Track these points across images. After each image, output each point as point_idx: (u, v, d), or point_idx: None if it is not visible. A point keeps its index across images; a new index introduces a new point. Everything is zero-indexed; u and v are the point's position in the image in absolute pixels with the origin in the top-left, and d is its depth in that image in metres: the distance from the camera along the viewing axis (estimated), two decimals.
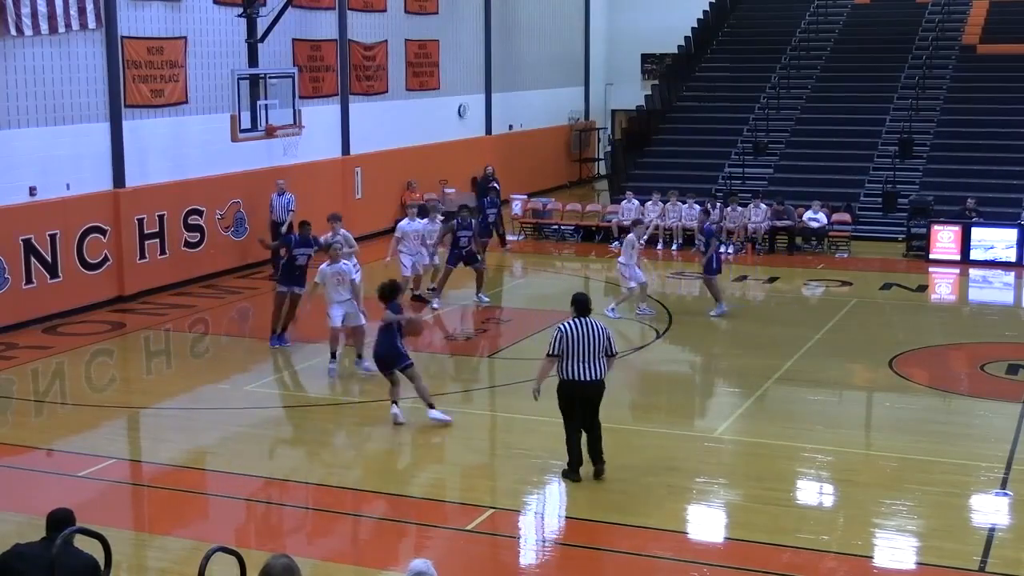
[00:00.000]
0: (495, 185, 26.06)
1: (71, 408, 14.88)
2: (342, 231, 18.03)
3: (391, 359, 13.56)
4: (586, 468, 11.79)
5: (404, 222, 19.96)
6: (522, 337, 18.30)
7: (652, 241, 25.92)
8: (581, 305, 11.66)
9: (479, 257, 20.66)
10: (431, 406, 13.67)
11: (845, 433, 13.51)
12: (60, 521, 7.25)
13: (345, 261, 16.20)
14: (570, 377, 11.42)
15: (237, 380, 16.14)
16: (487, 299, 20.40)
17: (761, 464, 12.46)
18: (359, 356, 15.85)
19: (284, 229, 21.41)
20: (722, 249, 24.98)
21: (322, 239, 17.66)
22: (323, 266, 15.86)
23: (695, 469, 12.31)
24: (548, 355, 11.58)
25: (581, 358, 11.37)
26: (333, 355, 15.79)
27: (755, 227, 25.29)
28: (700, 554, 10.23)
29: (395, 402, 13.69)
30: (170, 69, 21.08)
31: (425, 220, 20.37)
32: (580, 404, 11.55)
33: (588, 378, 11.42)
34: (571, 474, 11.72)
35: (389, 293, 13.72)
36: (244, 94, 20.07)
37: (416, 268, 19.81)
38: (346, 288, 15.75)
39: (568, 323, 11.52)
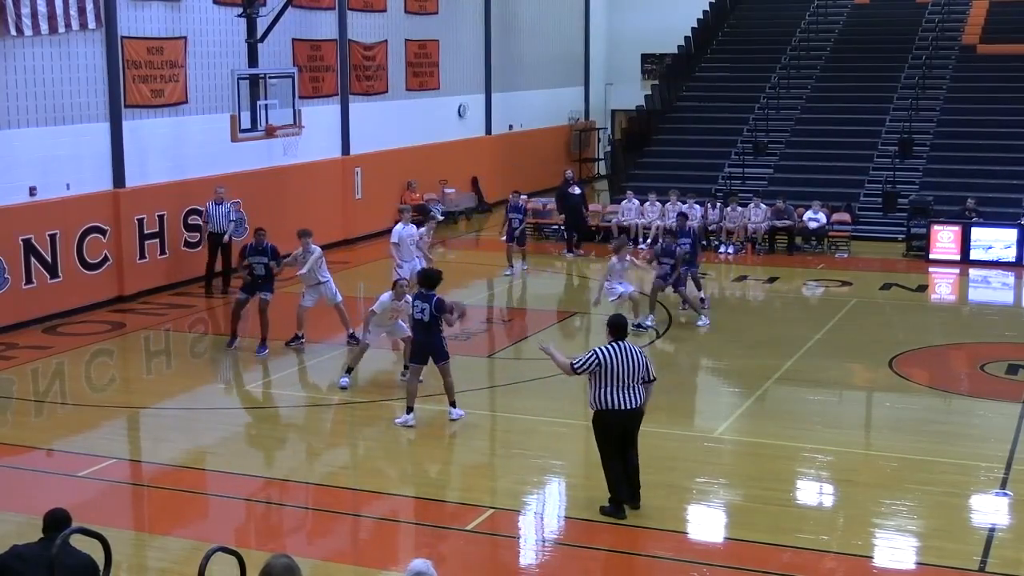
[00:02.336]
0: (573, 191, 25.79)
1: (71, 408, 14.88)
2: (313, 247, 17.13)
3: (436, 351, 13.49)
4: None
5: (399, 227, 19.09)
6: (522, 337, 18.32)
7: (653, 241, 25.96)
8: (620, 329, 10.88)
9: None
10: (453, 404, 13.71)
11: (845, 433, 13.51)
12: (57, 521, 7.26)
13: (408, 296, 14.99)
14: (611, 406, 10.67)
15: (237, 380, 16.16)
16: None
17: (761, 464, 12.46)
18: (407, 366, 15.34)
19: (226, 239, 20.85)
20: (722, 249, 25.12)
21: (294, 253, 17.13)
22: (386, 296, 15.01)
23: (695, 469, 12.32)
24: (573, 367, 10.80)
25: (622, 385, 10.63)
26: (349, 369, 15.41)
27: (755, 227, 25.29)
28: (700, 554, 10.24)
29: (411, 408, 13.59)
30: (170, 69, 21.08)
31: (422, 227, 19.82)
32: (621, 434, 10.86)
33: (630, 406, 10.70)
34: (617, 512, 10.87)
35: (434, 281, 13.59)
36: (244, 94, 20.06)
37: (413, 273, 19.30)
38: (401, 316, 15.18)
39: (606, 348, 10.71)
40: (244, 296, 17.29)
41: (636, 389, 10.74)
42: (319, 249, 17.32)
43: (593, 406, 10.86)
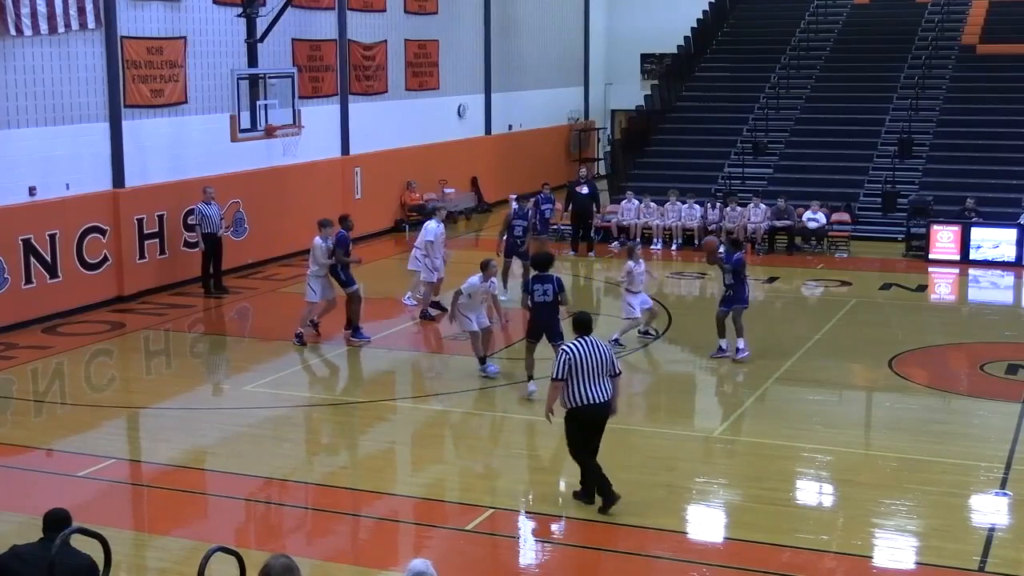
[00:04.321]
0: (581, 191, 25.51)
1: (71, 408, 14.87)
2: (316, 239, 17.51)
3: (554, 331, 14.24)
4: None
5: (434, 224, 18.87)
6: (522, 337, 18.27)
7: (649, 241, 25.98)
8: (584, 324, 11.18)
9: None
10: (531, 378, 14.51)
11: (845, 433, 13.51)
12: (57, 521, 7.26)
13: (493, 279, 15.93)
14: (582, 402, 10.76)
15: (237, 380, 16.16)
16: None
17: (761, 464, 12.46)
18: (484, 359, 15.68)
19: (222, 231, 21.02)
20: (722, 249, 25.04)
21: (328, 242, 17.45)
22: (475, 279, 15.41)
23: (695, 469, 12.32)
24: (554, 379, 10.86)
25: (592, 380, 10.76)
26: (483, 359, 15.64)
27: (754, 227, 25.30)
28: (700, 554, 10.24)
29: (531, 377, 14.44)
30: (170, 69, 21.08)
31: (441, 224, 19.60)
32: (593, 429, 10.96)
33: (600, 399, 10.80)
34: (610, 501, 10.89)
35: (549, 263, 14.39)
36: (244, 94, 20.05)
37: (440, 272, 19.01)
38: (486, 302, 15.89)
39: (573, 344, 10.93)
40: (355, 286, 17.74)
41: (604, 384, 10.87)
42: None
43: (566, 404, 10.92)
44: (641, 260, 17.56)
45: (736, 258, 16.23)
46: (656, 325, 18.18)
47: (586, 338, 10.98)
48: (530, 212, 20.97)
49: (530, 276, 14.75)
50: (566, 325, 14.11)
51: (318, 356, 16.98)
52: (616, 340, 16.77)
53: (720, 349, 16.38)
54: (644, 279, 17.49)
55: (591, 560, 10.25)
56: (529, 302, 14.59)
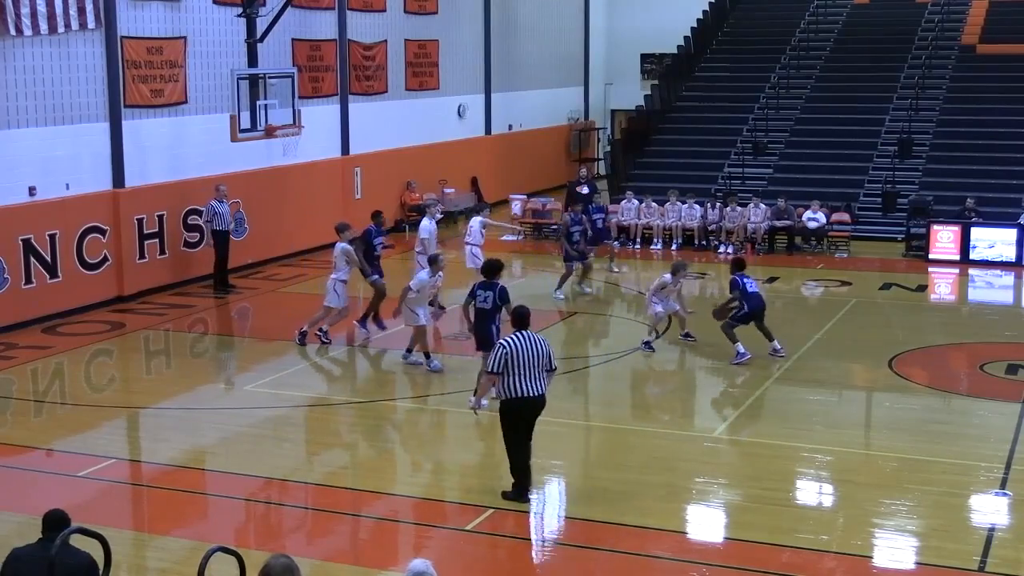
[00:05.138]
0: (581, 191, 25.32)
1: (71, 408, 14.87)
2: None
3: (485, 341, 13.81)
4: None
5: (427, 221, 19.02)
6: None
7: (649, 241, 25.98)
8: (522, 318, 11.29)
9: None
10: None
11: (845, 433, 13.51)
12: (55, 522, 7.28)
13: (441, 274, 16.45)
14: (517, 394, 10.98)
15: (237, 380, 16.17)
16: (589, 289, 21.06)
17: (761, 464, 12.46)
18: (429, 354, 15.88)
19: (232, 228, 21.26)
20: (721, 249, 25.13)
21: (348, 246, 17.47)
22: (424, 274, 15.77)
23: (694, 469, 12.32)
24: (489, 372, 11.15)
25: (528, 374, 10.95)
26: (427, 354, 15.81)
27: (754, 227, 25.30)
28: (699, 554, 10.24)
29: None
30: (170, 69, 21.08)
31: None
32: (528, 421, 11.18)
33: (534, 393, 11.01)
34: (519, 497, 11.21)
35: (497, 270, 14.09)
36: (244, 94, 20.06)
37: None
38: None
39: (510, 338, 11.10)
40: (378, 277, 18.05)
41: (540, 378, 11.04)
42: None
43: (500, 395, 11.11)
44: (681, 281, 17.27)
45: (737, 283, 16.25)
46: (655, 325, 18.18)
47: (523, 332, 11.15)
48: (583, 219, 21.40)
49: (476, 283, 14.37)
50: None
51: (318, 356, 16.98)
52: (647, 344, 16.90)
53: (775, 350, 16.34)
54: (670, 294, 17.06)
55: (591, 560, 10.24)
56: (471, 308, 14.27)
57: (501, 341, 11.31)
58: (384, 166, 27.19)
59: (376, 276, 17.97)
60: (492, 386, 11.27)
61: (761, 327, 16.34)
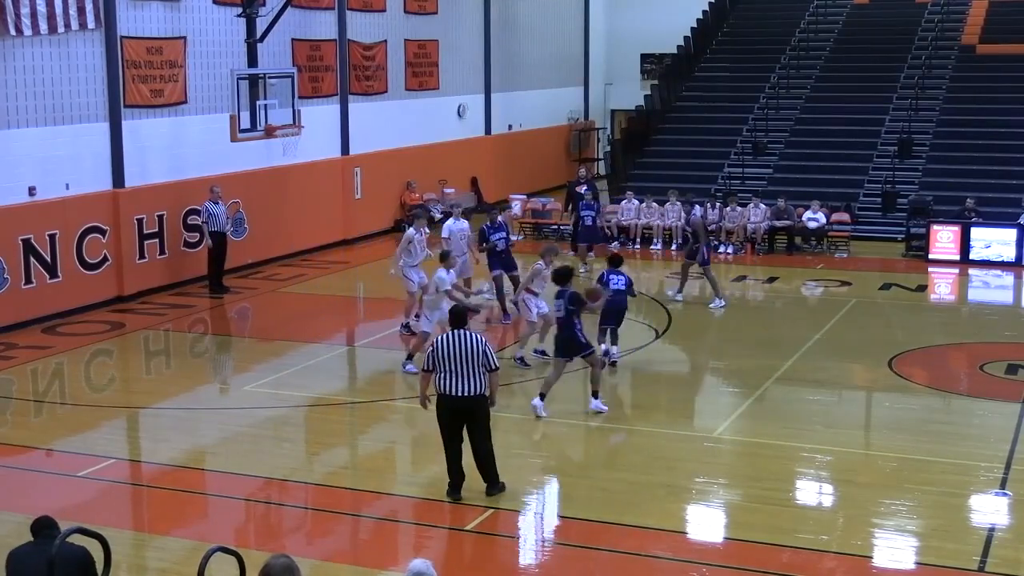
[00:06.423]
0: (580, 190, 25.04)
1: (71, 408, 14.87)
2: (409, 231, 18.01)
3: (573, 345, 13.68)
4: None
5: (450, 222, 19.11)
6: (516, 340, 18.25)
7: (649, 241, 25.97)
8: (456, 317, 11.33)
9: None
10: (595, 394, 13.97)
11: (845, 433, 13.51)
12: (45, 527, 7.40)
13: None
14: (443, 391, 11.08)
15: (237, 380, 16.17)
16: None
17: (761, 464, 12.46)
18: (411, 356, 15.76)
19: (228, 230, 21.18)
20: (721, 249, 25.11)
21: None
22: (444, 272, 15.40)
23: (694, 469, 12.31)
24: (423, 370, 11.43)
25: (454, 372, 10.96)
26: (410, 356, 15.70)
27: (754, 227, 25.30)
28: (699, 554, 10.24)
29: (543, 395, 13.84)
30: (169, 69, 21.08)
31: (465, 221, 19.51)
32: (458, 421, 11.15)
33: (461, 392, 10.97)
34: (452, 492, 11.31)
35: (567, 277, 13.94)
36: (243, 94, 20.06)
37: (464, 270, 18.71)
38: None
39: (441, 336, 11.26)
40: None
41: (472, 377, 10.99)
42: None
43: (435, 391, 11.31)
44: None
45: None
46: (655, 325, 18.20)
47: (457, 331, 11.15)
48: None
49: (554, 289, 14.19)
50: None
51: (318, 356, 16.98)
52: (522, 359, 16.04)
53: (607, 352, 15.84)
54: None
55: (591, 560, 10.24)
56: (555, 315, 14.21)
57: (435, 339, 11.48)
58: (384, 166, 27.19)
59: (498, 271, 18.87)
60: (427, 384, 11.42)
61: (613, 330, 15.87)
